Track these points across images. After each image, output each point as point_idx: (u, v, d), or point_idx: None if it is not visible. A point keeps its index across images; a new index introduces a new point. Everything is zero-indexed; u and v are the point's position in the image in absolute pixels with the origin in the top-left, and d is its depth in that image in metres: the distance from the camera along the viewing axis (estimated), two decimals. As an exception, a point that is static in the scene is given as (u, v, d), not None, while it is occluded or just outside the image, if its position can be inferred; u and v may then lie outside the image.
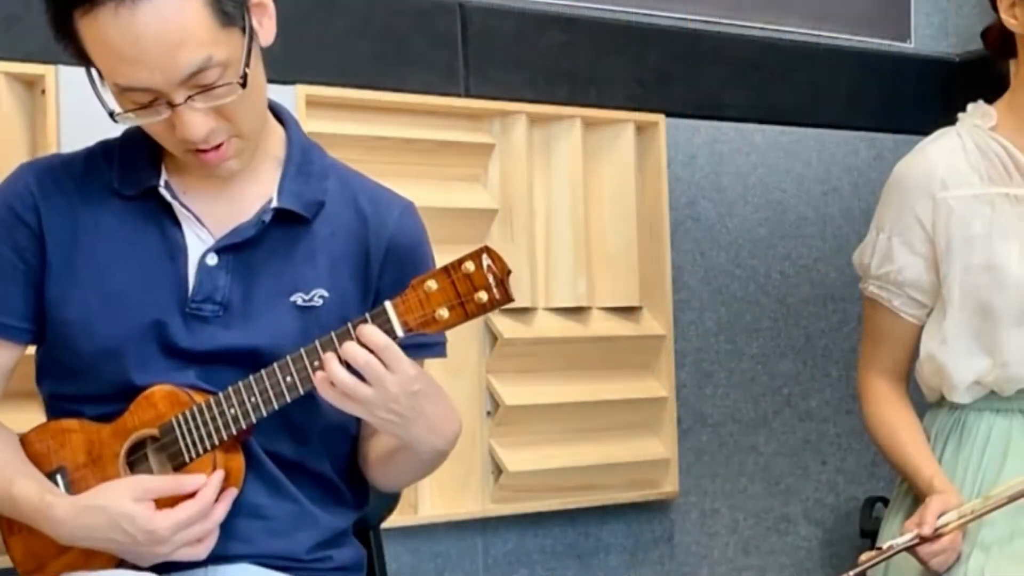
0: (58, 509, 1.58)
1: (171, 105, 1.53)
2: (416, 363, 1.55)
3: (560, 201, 2.70)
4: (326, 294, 1.66)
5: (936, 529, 1.85)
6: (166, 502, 1.56)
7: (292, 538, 1.67)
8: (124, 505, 1.54)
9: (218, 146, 1.58)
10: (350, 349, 1.51)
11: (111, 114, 1.56)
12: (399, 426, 1.57)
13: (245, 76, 1.54)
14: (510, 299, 1.49)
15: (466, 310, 1.50)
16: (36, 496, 1.60)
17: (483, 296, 1.49)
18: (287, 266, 1.66)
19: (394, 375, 1.52)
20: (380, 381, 1.52)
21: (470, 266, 1.49)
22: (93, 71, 1.57)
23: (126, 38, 1.48)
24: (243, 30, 1.56)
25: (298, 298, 1.65)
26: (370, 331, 1.51)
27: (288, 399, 1.56)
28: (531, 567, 2.74)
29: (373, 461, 1.75)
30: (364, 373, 1.51)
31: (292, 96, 2.36)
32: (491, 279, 1.48)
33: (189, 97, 1.53)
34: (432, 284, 1.50)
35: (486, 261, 1.49)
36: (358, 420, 1.74)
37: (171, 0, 1.49)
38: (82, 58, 1.56)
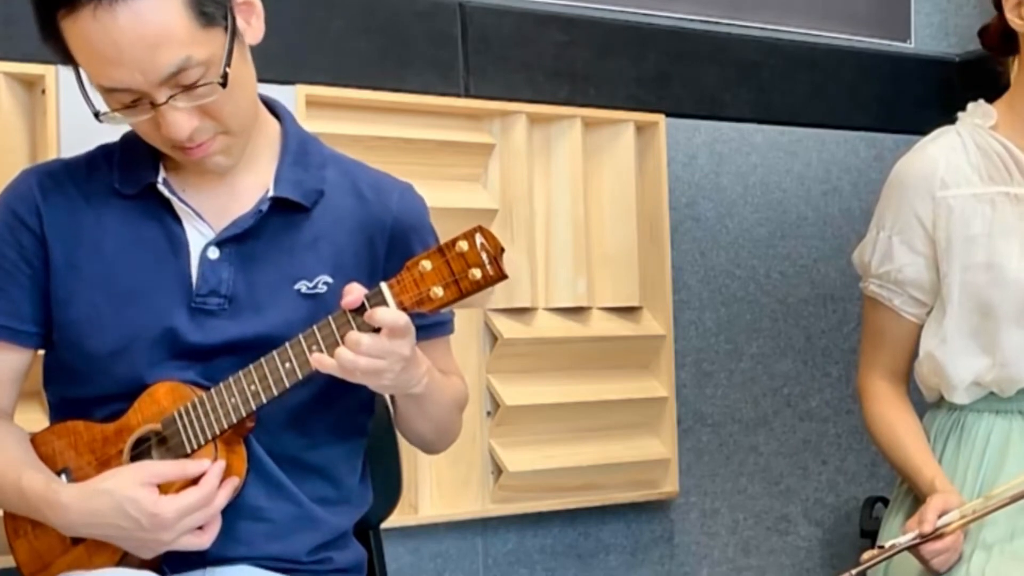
0: (64, 495, 1.58)
1: (154, 105, 1.54)
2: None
3: (560, 201, 2.70)
4: (330, 280, 1.66)
5: (937, 529, 1.85)
6: (169, 490, 1.56)
7: (292, 540, 1.67)
8: (129, 489, 1.54)
9: (202, 143, 1.59)
10: (365, 344, 1.52)
11: (96, 114, 1.57)
12: (416, 384, 1.61)
13: (226, 75, 1.54)
14: (504, 276, 1.50)
15: (460, 288, 1.51)
16: (43, 485, 1.61)
17: (477, 273, 1.50)
18: (289, 255, 1.67)
19: (403, 340, 1.54)
20: (391, 353, 1.54)
21: (463, 245, 1.50)
22: (82, 73, 1.58)
23: (105, 39, 1.49)
24: (225, 29, 1.56)
25: (302, 286, 1.66)
26: (381, 313, 1.52)
27: (287, 385, 1.56)
28: (531, 567, 2.74)
29: (398, 422, 1.79)
30: (380, 356, 1.53)
31: (292, 96, 2.36)
32: (484, 257, 1.49)
33: (171, 96, 1.54)
34: (426, 264, 1.51)
35: (479, 239, 1.49)
36: (368, 411, 1.76)
37: (149, 1, 1.49)
38: (69, 59, 1.57)
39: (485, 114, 2.64)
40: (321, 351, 1.54)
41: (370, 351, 1.53)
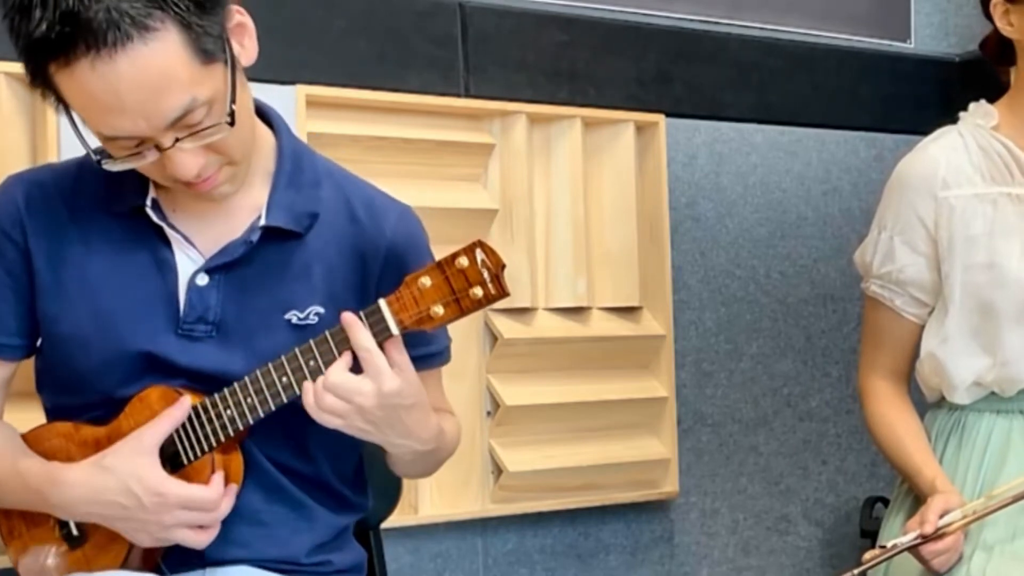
0: (67, 473, 1.57)
1: (159, 148, 1.49)
2: (400, 376, 1.53)
3: (560, 201, 2.70)
4: (321, 311, 1.62)
5: (939, 529, 1.85)
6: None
7: (290, 543, 1.66)
8: (133, 465, 1.53)
9: (209, 177, 1.54)
10: (330, 377, 1.51)
11: (98, 162, 1.52)
12: (371, 435, 1.57)
13: (232, 114, 1.49)
14: (505, 294, 1.47)
15: (461, 306, 1.48)
16: (43, 465, 1.59)
17: (478, 292, 1.46)
18: (280, 283, 1.62)
19: (371, 385, 1.51)
20: (352, 395, 1.51)
21: (464, 261, 1.46)
22: (75, 116, 1.51)
23: (106, 90, 1.42)
24: (225, 62, 1.49)
25: (293, 316, 1.62)
26: (362, 336, 1.50)
27: (284, 399, 1.54)
28: (531, 567, 2.73)
29: (389, 460, 1.75)
30: (337, 392, 1.51)
31: (292, 96, 2.35)
32: (485, 274, 1.46)
33: (177, 139, 1.48)
34: (426, 281, 1.48)
35: (480, 256, 1.46)
36: None
37: (149, 47, 1.41)
38: (62, 104, 1.50)
39: (485, 114, 2.64)
40: (319, 365, 1.52)
41: (336, 388, 1.50)
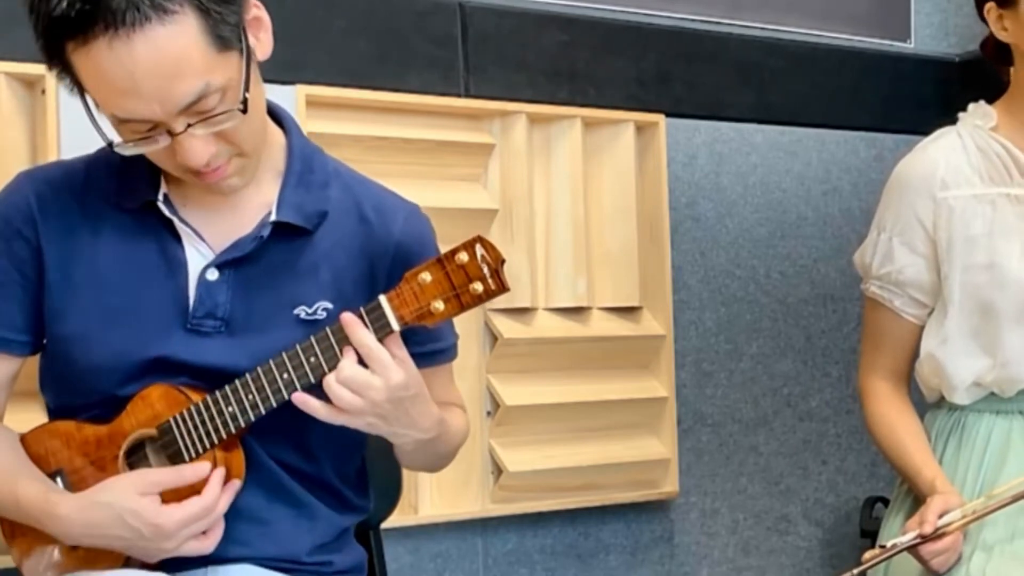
0: (63, 507, 1.57)
1: (171, 134, 1.50)
2: (403, 368, 1.54)
3: (560, 201, 2.70)
4: (330, 306, 1.63)
5: (938, 529, 1.85)
6: (171, 497, 1.55)
7: (291, 542, 1.66)
8: (129, 500, 1.54)
9: (219, 167, 1.55)
10: (346, 372, 1.51)
11: (110, 144, 1.53)
12: (378, 428, 1.58)
13: (245, 101, 1.51)
14: (505, 289, 1.48)
15: (461, 302, 1.48)
16: (41, 495, 1.59)
17: (478, 287, 1.47)
18: (290, 279, 1.64)
19: (380, 379, 1.52)
20: (365, 389, 1.52)
21: (464, 257, 1.47)
22: (89, 100, 1.53)
23: (121, 71, 1.44)
24: (241, 52, 1.52)
25: (301, 311, 1.63)
26: (362, 334, 1.51)
27: (286, 396, 1.54)
28: (531, 567, 2.74)
29: (396, 453, 1.76)
30: (351, 386, 1.52)
31: (292, 96, 2.36)
32: (485, 269, 1.47)
33: (189, 125, 1.49)
34: (426, 276, 1.49)
35: (480, 251, 1.47)
36: None
37: (166, 30, 1.43)
38: (77, 88, 1.52)
39: (485, 114, 2.64)
40: (320, 362, 1.53)
41: (350, 383, 1.51)
